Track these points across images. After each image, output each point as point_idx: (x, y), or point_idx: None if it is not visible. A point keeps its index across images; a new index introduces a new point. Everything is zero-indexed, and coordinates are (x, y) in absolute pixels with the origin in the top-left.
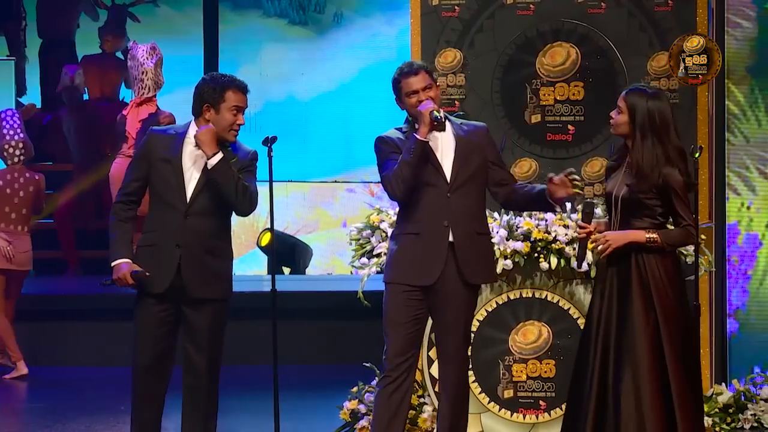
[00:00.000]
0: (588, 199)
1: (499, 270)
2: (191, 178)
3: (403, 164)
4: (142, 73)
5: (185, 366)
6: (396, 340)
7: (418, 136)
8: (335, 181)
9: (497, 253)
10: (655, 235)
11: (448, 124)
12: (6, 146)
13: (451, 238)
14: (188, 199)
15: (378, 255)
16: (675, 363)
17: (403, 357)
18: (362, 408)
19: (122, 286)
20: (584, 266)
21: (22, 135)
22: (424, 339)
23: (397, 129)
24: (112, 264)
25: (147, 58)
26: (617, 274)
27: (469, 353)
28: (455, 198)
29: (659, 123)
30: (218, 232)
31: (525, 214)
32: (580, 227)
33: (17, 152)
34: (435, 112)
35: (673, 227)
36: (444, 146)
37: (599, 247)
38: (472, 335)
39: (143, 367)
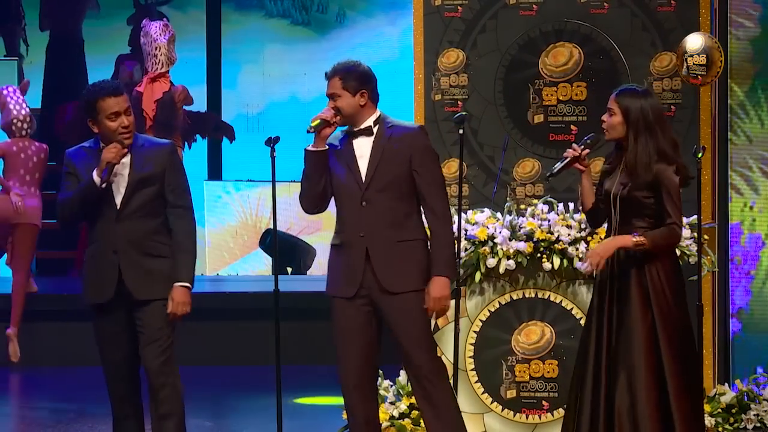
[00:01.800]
0: (595, 134)
1: (501, 270)
2: (118, 185)
3: (302, 177)
4: (156, 48)
5: (144, 368)
6: (348, 358)
7: (307, 148)
8: None
9: (500, 253)
10: (641, 239)
11: (376, 128)
12: (14, 120)
13: (367, 249)
14: (117, 205)
15: None
16: (672, 363)
17: (358, 375)
18: None
19: (113, 161)
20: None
21: (27, 109)
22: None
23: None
24: (92, 183)
25: (160, 35)
26: (616, 274)
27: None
28: (370, 207)
29: (653, 119)
30: (153, 233)
31: (528, 214)
32: (573, 148)
33: (25, 125)
34: (312, 123)
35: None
36: (364, 153)
37: (593, 265)
38: (475, 335)
39: (112, 375)
